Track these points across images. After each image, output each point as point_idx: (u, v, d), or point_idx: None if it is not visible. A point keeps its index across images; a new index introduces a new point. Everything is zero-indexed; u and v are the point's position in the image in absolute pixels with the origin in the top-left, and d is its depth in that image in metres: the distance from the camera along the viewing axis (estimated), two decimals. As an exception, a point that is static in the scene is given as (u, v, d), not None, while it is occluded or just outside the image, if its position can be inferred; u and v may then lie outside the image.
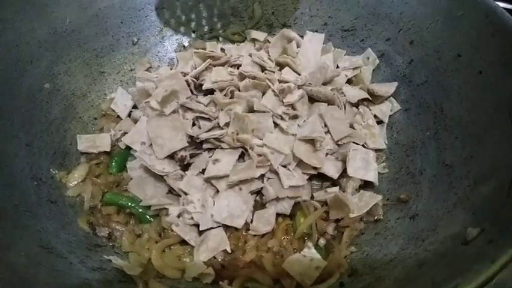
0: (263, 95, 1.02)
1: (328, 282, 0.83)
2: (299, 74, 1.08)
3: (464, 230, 0.71)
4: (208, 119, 1.01)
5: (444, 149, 0.94)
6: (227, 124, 0.98)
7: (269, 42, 1.23)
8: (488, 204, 0.74)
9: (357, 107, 1.11)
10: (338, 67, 1.18)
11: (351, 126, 1.05)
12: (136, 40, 1.26)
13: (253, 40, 1.28)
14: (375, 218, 0.94)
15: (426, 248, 0.77)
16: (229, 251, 0.90)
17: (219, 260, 0.90)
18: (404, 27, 1.11)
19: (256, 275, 0.87)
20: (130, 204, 0.97)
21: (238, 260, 0.89)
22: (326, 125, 1.01)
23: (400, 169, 1.01)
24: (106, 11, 1.19)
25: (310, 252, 0.86)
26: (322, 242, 0.91)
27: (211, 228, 0.92)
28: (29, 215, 0.87)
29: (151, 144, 0.99)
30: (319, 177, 1.00)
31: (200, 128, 1.00)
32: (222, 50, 1.25)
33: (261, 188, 0.95)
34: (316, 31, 1.25)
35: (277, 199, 0.94)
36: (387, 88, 1.10)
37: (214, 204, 0.93)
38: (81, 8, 1.14)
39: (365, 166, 0.98)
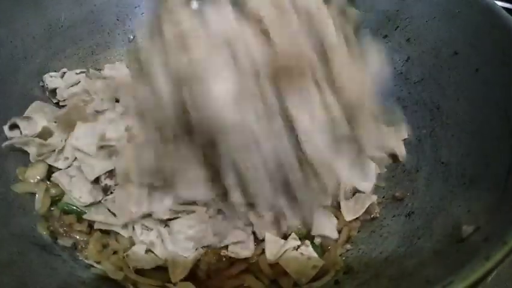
0: None
1: (323, 280, 0.82)
2: None
3: (460, 227, 0.71)
4: None
5: (441, 147, 0.93)
6: None
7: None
8: (484, 201, 0.74)
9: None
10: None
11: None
12: (132, 37, 1.25)
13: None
14: (372, 216, 0.93)
15: (421, 246, 0.77)
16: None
17: (204, 270, 0.83)
18: (401, 24, 1.10)
19: (247, 281, 0.83)
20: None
21: (225, 271, 0.84)
22: None
23: (396, 167, 1.00)
24: (101, 7, 1.18)
25: (307, 250, 0.85)
26: (318, 240, 0.90)
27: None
28: (22, 212, 0.86)
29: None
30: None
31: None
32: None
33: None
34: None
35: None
36: None
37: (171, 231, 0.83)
38: (76, 4, 1.13)
39: (362, 175, 0.93)
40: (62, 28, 1.11)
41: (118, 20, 1.22)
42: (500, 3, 0.98)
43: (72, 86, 1.05)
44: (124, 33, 1.24)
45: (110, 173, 0.89)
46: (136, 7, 1.24)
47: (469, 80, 0.92)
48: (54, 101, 1.05)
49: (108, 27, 1.21)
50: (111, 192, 0.88)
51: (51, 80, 1.04)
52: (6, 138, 0.93)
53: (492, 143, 0.82)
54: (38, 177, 0.92)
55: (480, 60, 0.90)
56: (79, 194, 0.88)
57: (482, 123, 0.86)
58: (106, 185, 0.88)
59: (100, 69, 1.19)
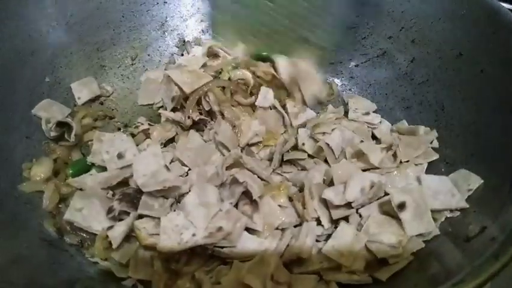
0: None
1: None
2: None
3: (466, 227, 0.72)
4: None
5: (446, 147, 0.94)
6: None
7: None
8: (490, 201, 0.75)
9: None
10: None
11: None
12: (137, 34, 1.25)
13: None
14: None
15: (428, 245, 0.77)
16: None
17: None
18: (406, 25, 1.10)
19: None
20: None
21: None
22: None
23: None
24: (107, 4, 1.18)
25: None
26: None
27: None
28: (29, 208, 0.86)
29: None
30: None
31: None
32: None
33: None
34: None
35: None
36: None
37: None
38: (83, 1, 1.13)
39: None
40: (68, 24, 1.11)
41: (123, 17, 1.22)
42: (503, 5, 0.99)
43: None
44: (129, 29, 1.24)
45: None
46: (141, 4, 1.24)
47: (474, 81, 0.93)
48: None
49: (113, 24, 1.20)
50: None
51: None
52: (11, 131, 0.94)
53: (497, 143, 0.83)
54: (43, 175, 0.92)
55: (485, 61, 0.91)
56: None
57: (487, 124, 0.87)
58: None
59: (104, 66, 1.20)
